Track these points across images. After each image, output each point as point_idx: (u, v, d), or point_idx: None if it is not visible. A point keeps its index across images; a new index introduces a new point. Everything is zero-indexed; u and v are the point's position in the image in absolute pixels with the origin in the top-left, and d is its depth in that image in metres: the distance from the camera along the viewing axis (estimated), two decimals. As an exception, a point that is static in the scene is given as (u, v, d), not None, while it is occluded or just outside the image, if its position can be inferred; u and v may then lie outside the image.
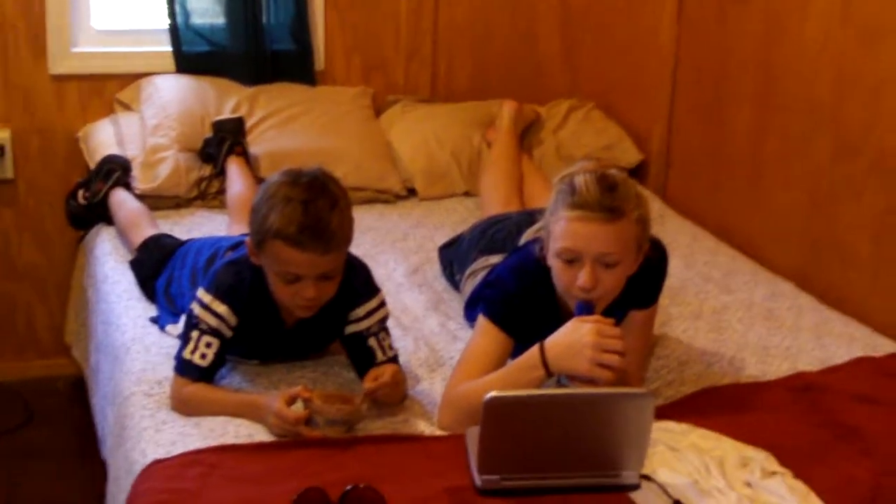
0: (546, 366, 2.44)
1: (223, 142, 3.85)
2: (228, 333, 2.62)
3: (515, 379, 2.47)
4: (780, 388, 2.75)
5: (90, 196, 3.77)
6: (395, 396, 2.62)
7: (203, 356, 2.59)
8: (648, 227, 2.54)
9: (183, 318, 2.75)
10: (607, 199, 2.43)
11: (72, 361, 3.92)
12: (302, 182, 2.52)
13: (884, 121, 3.20)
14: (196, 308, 2.61)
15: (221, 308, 2.60)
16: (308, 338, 2.77)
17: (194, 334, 2.60)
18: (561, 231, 2.46)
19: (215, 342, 2.60)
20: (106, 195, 3.72)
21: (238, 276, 2.63)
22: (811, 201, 3.50)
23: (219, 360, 2.63)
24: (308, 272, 2.51)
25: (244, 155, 3.86)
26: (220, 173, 3.83)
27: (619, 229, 2.44)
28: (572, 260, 2.46)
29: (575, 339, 2.41)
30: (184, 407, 2.58)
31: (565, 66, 4.61)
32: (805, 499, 2.26)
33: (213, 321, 2.59)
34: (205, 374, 2.60)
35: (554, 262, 2.51)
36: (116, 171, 3.77)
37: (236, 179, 3.75)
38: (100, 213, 3.74)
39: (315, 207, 2.49)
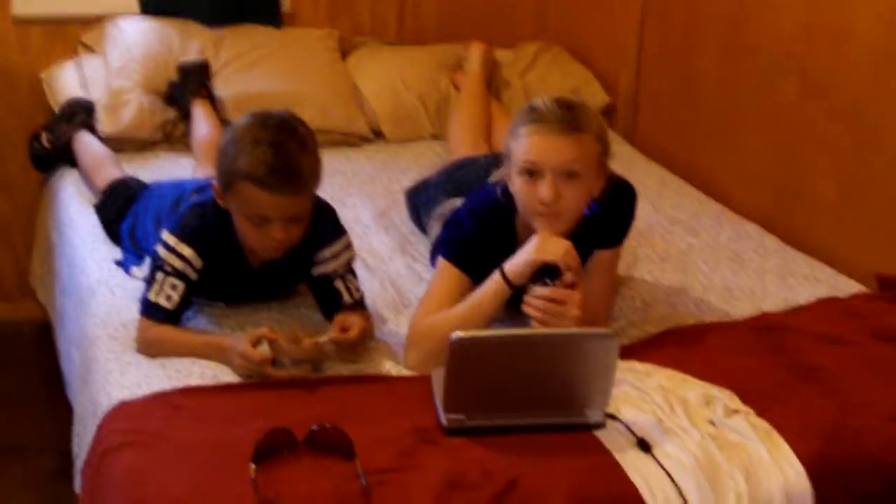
0: (506, 278, 2.49)
1: (187, 84, 3.82)
2: (194, 276, 2.61)
3: (480, 304, 2.51)
4: (745, 328, 2.77)
5: (54, 139, 3.74)
6: (362, 349, 2.61)
7: (168, 298, 2.58)
8: (608, 147, 2.57)
9: (148, 261, 2.75)
10: (566, 114, 2.48)
11: (37, 305, 3.90)
12: (271, 124, 2.51)
13: (850, 66, 3.20)
14: (161, 250, 2.60)
15: (187, 251, 2.59)
16: (274, 279, 2.77)
17: (159, 276, 2.59)
18: (521, 147, 2.49)
19: (180, 284, 2.59)
20: (70, 138, 3.69)
21: (203, 219, 2.62)
22: (778, 145, 3.51)
23: (184, 303, 2.62)
24: (277, 214, 2.50)
25: (209, 98, 3.84)
26: (186, 116, 3.81)
27: (578, 141, 2.47)
28: (533, 173, 2.48)
29: (526, 246, 2.49)
30: (149, 349, 2.58)
31: (533, 8, 4.59)
32: (768, 437, 2.28)
33: (178, 263, 2.58)
34: (170, 317, 2.60)
35: (516, 181, 2.52)
36: (80, 113, 3.74)
37: (201, 122, 3.72)
38: (64, 156, 3.71)
39: (285, 149, 2.48)
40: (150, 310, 2.59)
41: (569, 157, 2.46)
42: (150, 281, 2.61)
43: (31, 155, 3.85)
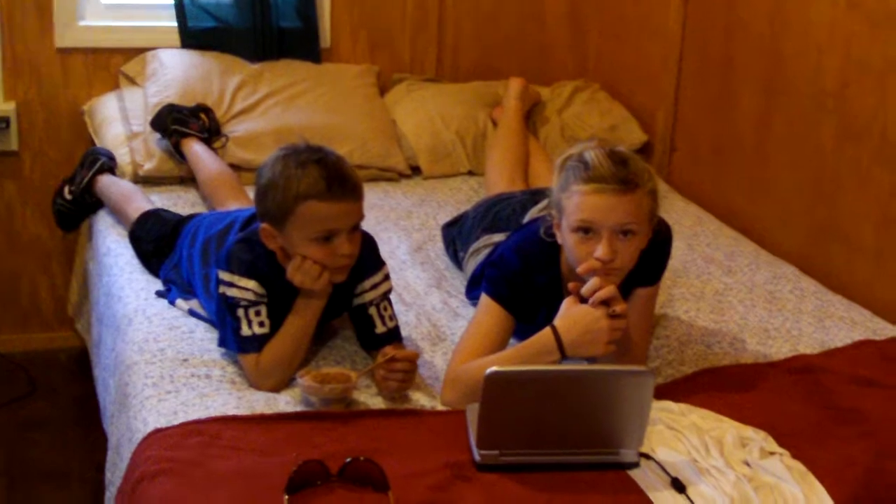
0: (563, 351, 2.46)
1: (168, 136, 3.75)
2: (265, 300, 2.63)
3: (528, 362, 2.47)
4: (781, 369, 2.76)
5: (75, 187, 3.71)
6: (403, 387, 2.59)
7: (261, 324, 2.61)
8: (658, 199, 2.55)
9: (195, 300, 2.87)
10: (621, 171, 2.45)
11: (75, 334, 3.93)
12: (303, 148, 2.59)
13: (889, 106, 3.20)
14: (228, 291, 2.61)
15: (250, 283, 2.61)
16: None
17: (240, 313, 2.61)
18: (576, 205, 2.46)
19: (262, 308, 2.62)
20: (91, 181, 3.68)
21: (253, 252, 2.64)
22: (815, 185, 3.50)
23: (275, 321, 2.64)
24: (344, 224, 2.54)
25: (193, 133, 3.76)
26: (183, 159, 3.75)
27: (634, 200, 2.45)
28: (588, 232, 2.47)
29: (590, 324, 2.44)
30: (269, 377, 2.59)
31: (572, 47, 4.61)
32: (803, 479, 2.27)
33: (249, 295, 2.60)
34: (269, 338, 2.63)
35: (569, 238, 2.51)
36: (101, 159, 3.73)
37: (208, 160, 3.68)
38: (87, 206, 3.70)
39: (330, 162, 2.56)
40: (249, 344, 2.60)
41: (626, 217, 2.45)
42: (233, 321, 2.61)
43: (54, 212, 3.79)
